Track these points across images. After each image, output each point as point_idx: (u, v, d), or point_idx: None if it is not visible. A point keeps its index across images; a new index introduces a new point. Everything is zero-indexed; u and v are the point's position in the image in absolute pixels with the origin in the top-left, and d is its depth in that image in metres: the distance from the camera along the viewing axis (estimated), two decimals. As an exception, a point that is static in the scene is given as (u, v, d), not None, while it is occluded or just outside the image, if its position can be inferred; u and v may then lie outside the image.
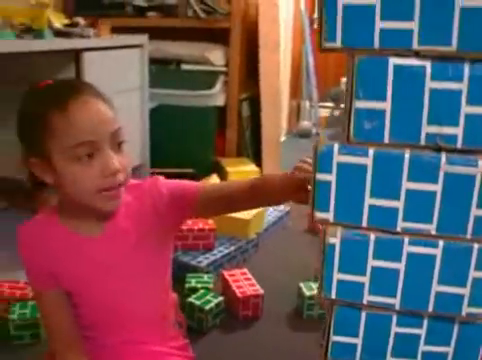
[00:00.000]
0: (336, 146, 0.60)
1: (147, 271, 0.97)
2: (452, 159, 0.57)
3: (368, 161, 0.59)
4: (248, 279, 1.67)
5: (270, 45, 2.62)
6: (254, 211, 1.96)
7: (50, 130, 0.83)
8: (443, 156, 0.57)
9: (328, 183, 0.61)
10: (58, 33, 1.86)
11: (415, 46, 0.55)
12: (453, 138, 0.56)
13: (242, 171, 2.37)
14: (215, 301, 1.55)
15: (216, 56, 2.52)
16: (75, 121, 0.82)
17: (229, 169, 2.38)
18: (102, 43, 1.95)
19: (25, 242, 0.96)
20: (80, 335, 0.97)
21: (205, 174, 2.34)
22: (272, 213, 2.21)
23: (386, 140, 0.58)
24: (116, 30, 2.59)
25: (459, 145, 0.56)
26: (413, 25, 0.54)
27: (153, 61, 2.56)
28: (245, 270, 1.73)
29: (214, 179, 2.27)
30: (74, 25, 2.10)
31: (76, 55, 1.83)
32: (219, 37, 2.54)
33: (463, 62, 0.54)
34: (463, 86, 0.55)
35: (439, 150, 0.57)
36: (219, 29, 2.49)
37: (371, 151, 0.59)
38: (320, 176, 0.61)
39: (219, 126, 2.51)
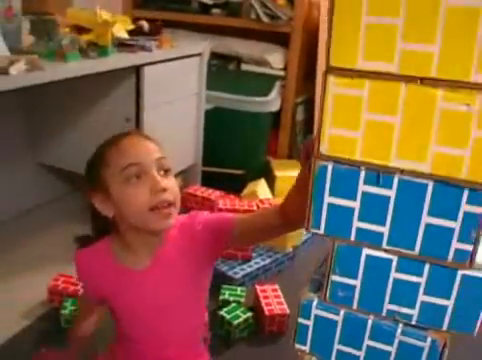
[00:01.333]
0: (315, 302, 0.70)
1: (187, 298, 1.07)
2: (406, 331, 0.66)
3: (339, 318, 0.70)
4: (277, 297, 1.81)
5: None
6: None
7: (105, 163, 0.98)
8: (399, 328, 0.66)
9: (307, 326, 0.72)
10: (121, 45, 1.99)
11: (384, 245, 0.65)
12: (409, 316, 0.66)
13: (290, 176, 2.44)
14: (244, 316, 1.71)
15: (275, 59, 2.58)
16: (124, 149, 0.98)
17: (278, 173, 2.47)
18: (163, 56, 2.06)
19: (81, 267, 1.10)
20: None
21: (254, 176, 2.46)
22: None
23: (354, 306, 0.68)
24: (179, 25, 2.70)
25: (413, 322, 0.65)
26: (384, 229, 0.65)
27: (214, 56, 2.66)
28: (276, 286, 1.86)
29: (262, 184, 2.38)
30: (138, 30, 2.23)
31: (137, 69, 1.96)
32: (280, 38, 2.57)
33: (424, 262, 0.63)
34: (422, 280, 0.64)
35: (397, 322, 0.67)
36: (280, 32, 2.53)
37: (342, 312, 0.69)
38: (301, 320, 0.72)
39: (273, 127, 2.59)
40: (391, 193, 0.65)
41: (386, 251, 0.67)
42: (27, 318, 1.72)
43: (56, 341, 1.61)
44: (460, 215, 0.63)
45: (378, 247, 0.68)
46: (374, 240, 0.68)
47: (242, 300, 1.80)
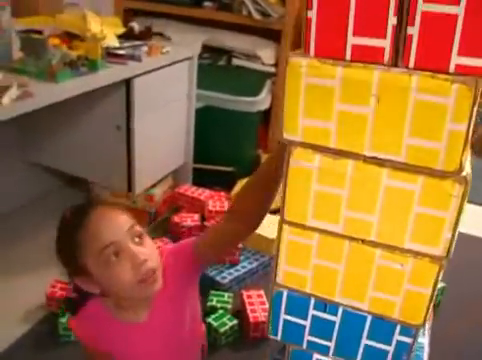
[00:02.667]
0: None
1: (187, 329, 1.11)
2: None
3: None
4: (262, 303, 1.94)
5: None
6: (279, 229, 2.17)
7: (79, 248, 0.96)
8: None
9: None
10: (110, 55, 2.02)
11: (331, 355, 0.76)
12: None
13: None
14: (230, 324, 1.84)
15: (266, 54, 2.59)
16: (96, 231, 0.95)
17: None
18: (153, 65, 2.08)
19: (80, 334, 1.13)
20: None
21: (245, 172, 2.53)
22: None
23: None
24: (172, 17, 2.69)
25: None
26: (331, 343, 0.74)
27: (205, 49, 2.67)
28: (261, 292, 1.98)
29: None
30: (128, 33, 2.24)
31: (127, 81, 1.99)
32: (271, 32, 2.57)
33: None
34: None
35: None
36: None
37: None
38: None
39: (264, 121, 2.64)
40: (336, 319, 0.74)
41: (333, 358, 0.77)
42: (27, 322, 1.84)
43: (55, 345, 1.77)
44: (394, 342, 0.72)
45: (326, 354, 0.78)
46: (322, 350, 0.78)
47: (229, 307, 1.93)
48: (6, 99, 1.59)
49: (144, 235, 0.99)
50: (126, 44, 2.16)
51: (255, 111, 2.47)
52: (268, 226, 2.22)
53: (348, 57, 0.58)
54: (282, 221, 0.71)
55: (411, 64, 0.56)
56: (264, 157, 2.65)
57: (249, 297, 1.96)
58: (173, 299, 1.07)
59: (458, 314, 1.97)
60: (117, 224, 0.97)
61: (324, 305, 0.74)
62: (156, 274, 0.98)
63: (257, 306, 1.92)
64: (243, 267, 2.11)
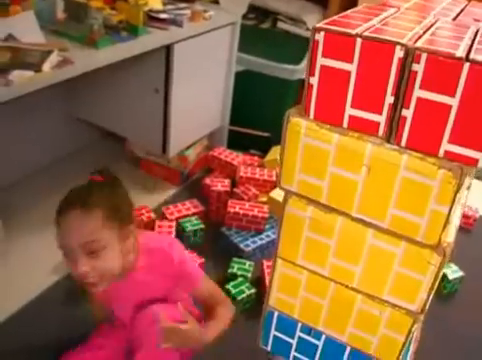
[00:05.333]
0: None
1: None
2: None
3: None
4: (280, 273, 2.02)
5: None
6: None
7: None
8: None
9: None
10: (152, 19, 2.03)
11: None
12: None
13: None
14: (247, 292, 1.94)
15: (312, 19, 2.53)
16: (60, 228, 1.13)
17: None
18: (194, 31, 2.09)
19: None
20: None
21: (279, 139, 2.56)
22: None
23: None
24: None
25: None
26: None
27: (251, 9, 2.63)
28: (281, 263, 2.06)
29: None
30: None
31: (167, 47, 2.01)
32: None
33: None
34: None
35: None
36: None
37: None
38: None
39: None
40: (319, 343, 0.81)
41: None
42: (55, 274, 1.93)
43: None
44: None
45: (311, 369, 0.85)
46: (307, 366, 0.85)
47: (249, 275, 2.02)
48: (47, 66, 1.66)
49: (104, 251, 1.12)
50: (169, 6, 2.16)
51: (295, 79, 2.46)
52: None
53: (345, 125, 0.61)
54: (276, 255, 0.76)
55: (403, 143, 0.58)
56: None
57: (269, 267, 2.04)
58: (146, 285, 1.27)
59: (474, 304, 2.00)
60: (77, 233, 1.11)
61: (309, 329, 0.80)
62: (98, 285, 1.15)
63: (275, 276, 2.01)
64: (267, 236, 2.18)
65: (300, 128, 0.63)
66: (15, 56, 1.67)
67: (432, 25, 0.58)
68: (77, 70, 1.72)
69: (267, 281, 1.96)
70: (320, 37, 0.56)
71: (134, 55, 1.91)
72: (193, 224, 2.15)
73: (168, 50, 2.04)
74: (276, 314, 0.82)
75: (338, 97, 0.58)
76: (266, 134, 2.59)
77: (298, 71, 2.44)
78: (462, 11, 0.77)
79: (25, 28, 1.81)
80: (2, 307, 1.69)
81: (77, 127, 2.55)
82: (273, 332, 0.84)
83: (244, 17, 2.43)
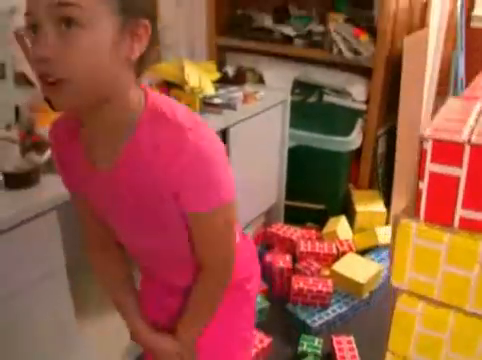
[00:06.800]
0: None
1: (157, 225, 0.92)
2: None
3: None
4: (351, 349, 1.97)
5: (414, 80, 2.58)
6: (370, 273, 2.19)
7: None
8: None
9: None
10: (207, 104, 2.12)
11: None
12: None
13: (370, 212, 2.54)
14: (320, 371, 1.88)
15: (357, 90, 2.59)
16: None
17: (359, 208, 2.55)
18: (248, 113, 2.16)
19: (52, 140, 0.95)
20: (108, 236, 1.03)
21: (336, 210, 2.57)
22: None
23: None
24: (263, 53, 2.77)
25: None
26: None
27: (297, 84, 2.72)
28: (351, 338, 2.01)
29: (342, 222, 2.49)
30: (223, 78, 2.33)
31: (223, 130, 2.09)
32: (362, 69, 2.57)
33: None
34: None
35: None
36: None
37: None
38: None
39: (355, 157, 2.64)
40: None
41: None
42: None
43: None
44: None
45: None
46: None
47: (319, 352, 1.97)
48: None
49: (84, 26, 0.69)
50: (221, 91, 2.26)
51: (347, 150, 2.49)
52: (359, 270, 2.25)
53: (455, 225, 0.62)
54: (386, 348, 0.75)
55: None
56: (355, 193, 2.66)
57: (339, 343, 1.99)
58: (147, 171, 0.83)
59: None
60: None
61: None
62: (62, 86, 0.71)
63: (346, 353, 1.95)
64: (333, 311, 2.14)
65: (410, 229, 0.64)
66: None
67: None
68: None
69: (338, 357, 1.91)
70: (428, 146, 0.59)
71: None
72: (258, 303, 2.14)
73: (224, 133, 2.11)
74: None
75: (448, 199, 0.60)
76: (322, 206, 2.61)
77: (349, 143, 2.48)
78: None
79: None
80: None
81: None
82: None
83: (291, 93, 2.51)
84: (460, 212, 0.60)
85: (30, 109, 1.89)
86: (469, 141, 0.56)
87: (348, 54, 2.50)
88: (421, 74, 2.71)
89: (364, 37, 2.47)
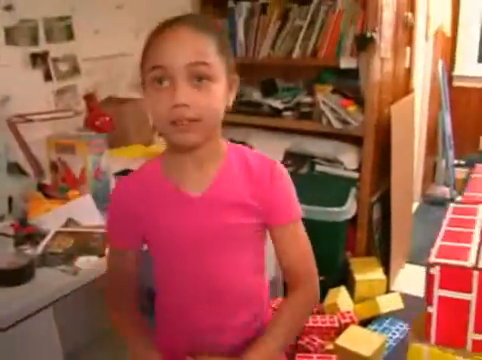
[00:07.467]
0: None
1: (230, 239, 0.98)
2: None
3: None
4: None
5: (403, 145, 2.62)
6: (374, 346, 2.13)
7: (144, 54, 0.90)
8: None
9: None
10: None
11: None
12: None
13: (370, 280, 2.50)
14: None
15: (349, 159, 2.61)
16: (156, 46, 0.87)
17: (358, 277, 2.52)
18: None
19: (120, 193, 1.02)
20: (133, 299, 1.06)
21: (335, 280, 2.52)
22: (394, 336, 2.34)
23: None
24: (252, 126, 2.80)
25: None
26: None
27: (288, 155, 2.74)
28: None
29: (342, 293, 2.44)
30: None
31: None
32: (352, 137, 2.60)
33: None
34: None
35: None
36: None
37: None
38: None
39: (350, 224, 2.62)
40: None
41: None
42: None
43: None
44: None
45: None
46: None
47: None
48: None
49: (210, 81, 0.88)
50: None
51: (342, 220, 2.48)
52: (363, 343, 2.19)
53: (468, 348, 0.59)
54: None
55: None
56: (353, 261, 2.62)
57: None
58: (237, 194, 0.96)
59: None
60: (180, 51, 0.86)
61: None
62: (192, 125, 0.87)
63: None
64: (340, 388, 2.06)
65: (423, 353, 0.62)
66: (78, 241, 1.72)
67: None
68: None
69: None
70: (435, 271, 0.58)
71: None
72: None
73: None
74: None
75: (459, 323, 0.58)
76: (321, 278, 2.55)
77: (344, 212, 2.47)
78: None
79: (83, 211, 1.89)
80: None
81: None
82: None
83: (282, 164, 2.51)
84: (472, 336, 0.58)
85: (23, 199, 1.87)
86: (476, 267, 0.55)
87: (337, 124, 2.54)
88: (410, 138, 2.76)
89: (352, 107, 2.51)
